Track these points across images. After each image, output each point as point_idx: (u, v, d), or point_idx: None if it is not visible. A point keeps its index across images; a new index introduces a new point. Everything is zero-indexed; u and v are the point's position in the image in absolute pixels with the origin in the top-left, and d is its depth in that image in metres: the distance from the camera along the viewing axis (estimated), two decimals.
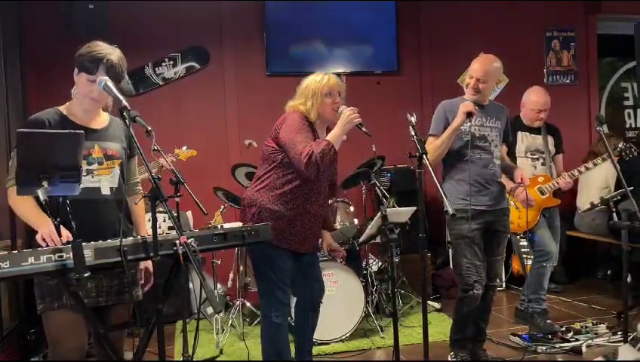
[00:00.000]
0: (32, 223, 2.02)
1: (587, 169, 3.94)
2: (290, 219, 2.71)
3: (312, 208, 2.76)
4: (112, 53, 2.14)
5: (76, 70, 2.15)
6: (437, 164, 3.13)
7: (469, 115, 2.99)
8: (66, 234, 1.92)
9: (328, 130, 2.79)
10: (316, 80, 2.78)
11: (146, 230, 2.31)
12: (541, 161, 4.05)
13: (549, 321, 3.81)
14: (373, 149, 4.30)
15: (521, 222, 3.78)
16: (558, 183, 3.91)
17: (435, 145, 3.07)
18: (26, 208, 2.04)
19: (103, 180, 2.17)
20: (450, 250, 4.99)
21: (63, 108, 2.21)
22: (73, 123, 2.15)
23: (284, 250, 2.74)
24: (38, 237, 1.94)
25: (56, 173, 1.82)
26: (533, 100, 3.97)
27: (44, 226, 1.92)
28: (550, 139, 4.11)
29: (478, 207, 3.07)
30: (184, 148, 4.20)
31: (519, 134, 4.01)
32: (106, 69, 2.09)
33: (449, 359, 3.25)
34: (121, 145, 2.27)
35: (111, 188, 2.19)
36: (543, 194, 3.91)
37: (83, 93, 2.16)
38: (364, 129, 2.67)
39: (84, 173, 2.09)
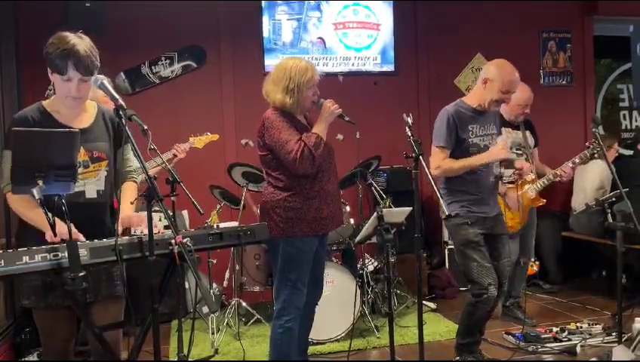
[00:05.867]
0: (40, 226, 1.96)
1: (574, 164, 3.88)
2: (316, 207, 2.75)
3: (328, 187, 2.80)
4: (79, 44, 1.99)
5: (49, 69, 2.03)
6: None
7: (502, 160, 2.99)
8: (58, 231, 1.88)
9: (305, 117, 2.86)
10: (300, 73, 2.70)
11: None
12: (525, 156, 4.04)
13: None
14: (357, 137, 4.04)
15: (512, 223, 3.78)
16: (558, 174, 3.83)
17: (450, 167, 2.96)
18: (32, 213, 1.98)
19: (89, 183, 2.12)
20: (447, 253, 5.02)
21: (46, 104, 2.12)
22: (56, 121, 2.07)
23: (313, 239, 2.78)
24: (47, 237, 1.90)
25: (52, 172, 1.81)
26: (520, 96, 3.92)
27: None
28: (528, 134, 4.15)
29: (480, 214, 3.04)
30: (207, 134, 3.97)
31: (503, 130, 3.93)
32: (75, 63, 1.97)
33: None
34: (109, 141, 2.18)
35: (97, 191, 2.13)
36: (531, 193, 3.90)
37: (62, 94, 2.07)
38: (347, 118, 2.73)
39: None
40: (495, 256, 3.10)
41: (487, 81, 3.02)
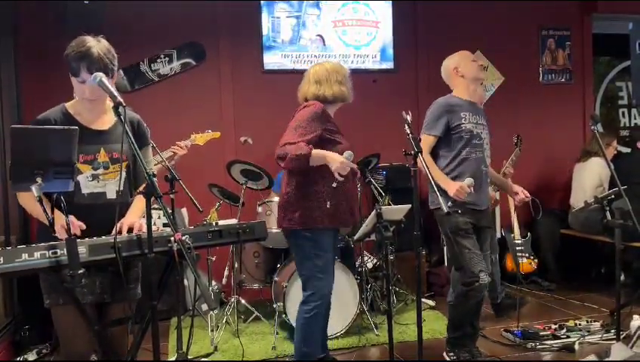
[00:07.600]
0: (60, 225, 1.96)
1: (512, 162, 4.49)
2: (345, 199, 2.91)
3: (346, 186, 2.94)
4: (93, 47, 2.03)
5: (69, 72, 2.09)
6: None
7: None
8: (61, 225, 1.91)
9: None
10: (341, 68, 3.01)
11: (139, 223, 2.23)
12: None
13: None
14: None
15: None
16: (507, 174, 4.32)
17: (425, 163, 2.79)
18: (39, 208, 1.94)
19: (109, 184, 2.15)
20: (445, 249, 5.02)
21: (69, 106, 2.17)
22: (78, 123, 2.10)
23: (333, 231, 2.95)
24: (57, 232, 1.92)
25: (50, 169, 1.81)
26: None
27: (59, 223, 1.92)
28: None
29: (469, 206, 3.07)
30: (209, 131, 4.00)
31: None
32: (88, 66, 2.01)
33: (446, 358, 3.22)
34: (129, 143, 2.18)
35: (117, 192, 2.16)
36: None
37: (79, 96, 2.13)
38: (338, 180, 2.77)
39: (89, 178, 2.10)
40: (481, 248, 3.13)
41: (457, 68, 3.22)
